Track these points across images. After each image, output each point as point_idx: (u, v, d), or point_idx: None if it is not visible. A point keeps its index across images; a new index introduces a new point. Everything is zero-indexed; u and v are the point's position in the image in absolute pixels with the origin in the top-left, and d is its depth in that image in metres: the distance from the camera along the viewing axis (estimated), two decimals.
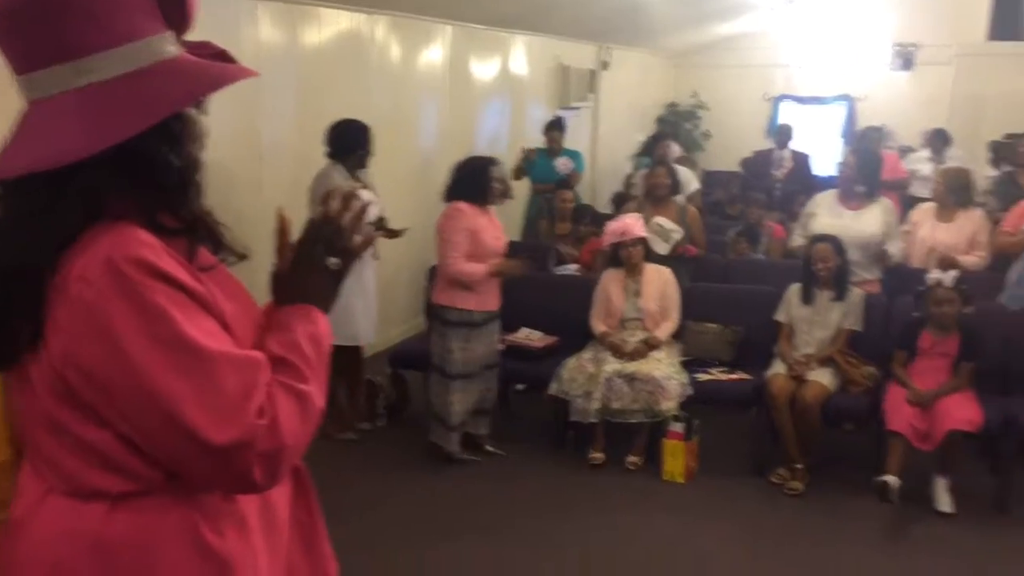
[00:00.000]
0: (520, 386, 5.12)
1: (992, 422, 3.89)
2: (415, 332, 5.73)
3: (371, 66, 6.01)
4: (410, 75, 6.48)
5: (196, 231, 1.22)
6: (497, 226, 4.32)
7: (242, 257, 1.31)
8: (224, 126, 4.65)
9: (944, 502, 3.89)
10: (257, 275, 1.40)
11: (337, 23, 5.65)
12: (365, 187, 4.52)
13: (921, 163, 7.94)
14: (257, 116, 5.01)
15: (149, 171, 1.15)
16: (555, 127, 7.15)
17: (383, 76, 6.14)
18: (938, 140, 8.18)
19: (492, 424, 4.52)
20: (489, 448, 4.49)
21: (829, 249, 4.38)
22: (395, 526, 3.78)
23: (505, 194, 4.37)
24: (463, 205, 4.18)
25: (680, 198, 5.32)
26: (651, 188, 5.16)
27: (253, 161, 4.97)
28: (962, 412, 3.87)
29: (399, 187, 5.61)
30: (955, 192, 5.07)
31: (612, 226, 4.74)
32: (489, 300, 4.28)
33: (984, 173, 7.74)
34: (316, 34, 5.47)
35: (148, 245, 1.11)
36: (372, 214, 4.46)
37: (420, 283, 5.38)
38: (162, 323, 1.08)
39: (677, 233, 4.90)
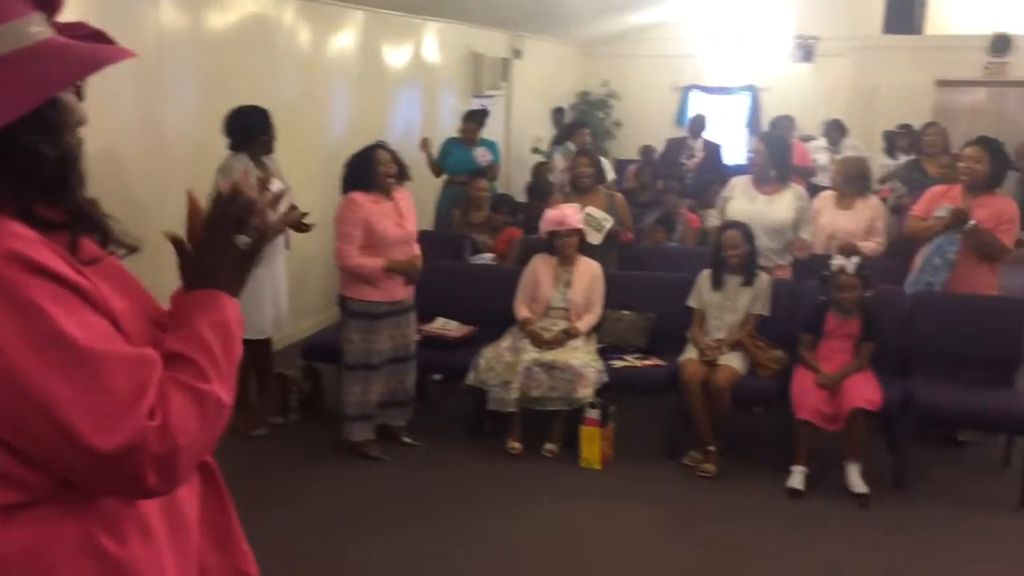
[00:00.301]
0: (437, 376, 5.09)
1: (891, 401, 4.05)
2: (329, 323, 5.64)
3: (279, 52, 5.86)
4: (320, 61, 6.35)
5: (78, 223, 1.15)
6: (402, 212, 4.20)
7: (132, 249, 1.24)
8: (123, 114, 4.51)
9: (857, 484, 3.98)
10: (160, 268, 1.34)
11: (243, 6, 5.48)
12: (273, 176, 4.41)
13: (818, 152, 8.23)
14: (158, 103, 4.83)
15: (22, 162, 1.08)
16: (473, 118, 7.12)
17: (291, 62, 6.00)
18: (834, 130, 8.49)
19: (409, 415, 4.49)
20: (406, 439, 4.45)
21: (738, 236, 4.49)
22: (313, 521, 3.71)
23: (402, 175, 4.24)
24: (356, 196, 4.10)
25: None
26: (575, 178, 5.17)
27: (154, 150, 4.79)
28: (865, 392, 4.02)
29: (309, 176, 5.50)
30: (852, 181, 5.26)
31: (551, 214, 4.74)
32: (394, 291, 4.21)
33: (879, 161, 8.08)
34: (220, 18, 5.30)
35: (23, 238, 1.04)
36: (284, 204, 4.35)
37: (333, 273, 5.28)
38: (40, 321, 1.02)
39: (608, 222, 4.93)
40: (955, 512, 3.90)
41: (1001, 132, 6.20)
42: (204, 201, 1.34)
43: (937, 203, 4.57)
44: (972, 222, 4.37)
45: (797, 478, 3.98)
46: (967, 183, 4.53)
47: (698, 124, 8.86)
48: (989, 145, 4.57)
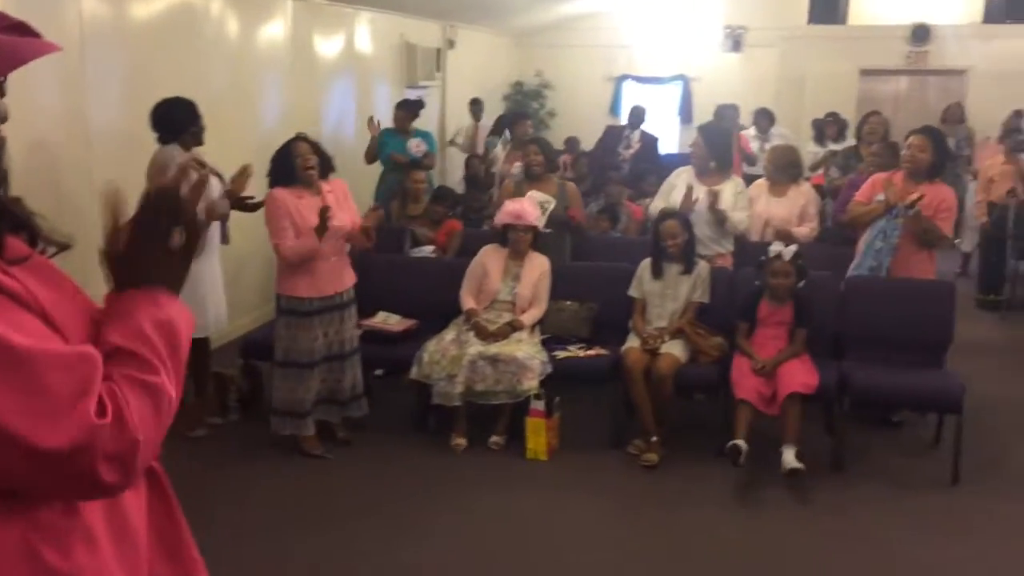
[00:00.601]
0: (379, 371, 5.02)
1: (827, 384, 4.14)
2: (266, 320, 5.52)
3: (206, 42, 5.70)
4: (249, 52, 6.21)
5: (3, 223, 1.10)
6: (329, 207, 4.05)
7: (64, 247, 1.19)
8: (47, 107, 4.34)
9: (790, 461, 4.03)
10: (91, 263, 1.28)
11: None
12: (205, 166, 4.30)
13: (750, 141, 8.37)
14: (83, 96, 4.65)
15: None
16: (404, 107, 7.03)
17: (220, 53, 5.84)
18: (763, 119, 8.63)
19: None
20: (340, 435, 4.37)
21: (677, 225, 4.53)
22: (257, 520, 3.64)
23: (326, 166, 4.14)
24: (277, 192, 4.04)
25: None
26: (527, 166, 5.16)
27: (79, 144, 4.62)
28: (800, 376, 4.10)
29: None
30: (783, 169, 5.36)
31: (509, 206, 4.71)
32: (324, 284, 4.13)
33: (808, 149, 8.26)
34: (145, 7, 5.13)
35: None
36: (214, 191, 4.24)
37: (270, 269, 5.18)
38: None
39: (550, 203, 4.90)
40: (891, 491, 4.01)
41: (922, 119, 6.41)
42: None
43: (879, 189, 4.66)
44: (916, 208, 4.48)
45: (739, 441, 3.94)
46: (909, 170, 4.63)
47: (637, 115, 8.89)
48: (933, 135, 4.68)
